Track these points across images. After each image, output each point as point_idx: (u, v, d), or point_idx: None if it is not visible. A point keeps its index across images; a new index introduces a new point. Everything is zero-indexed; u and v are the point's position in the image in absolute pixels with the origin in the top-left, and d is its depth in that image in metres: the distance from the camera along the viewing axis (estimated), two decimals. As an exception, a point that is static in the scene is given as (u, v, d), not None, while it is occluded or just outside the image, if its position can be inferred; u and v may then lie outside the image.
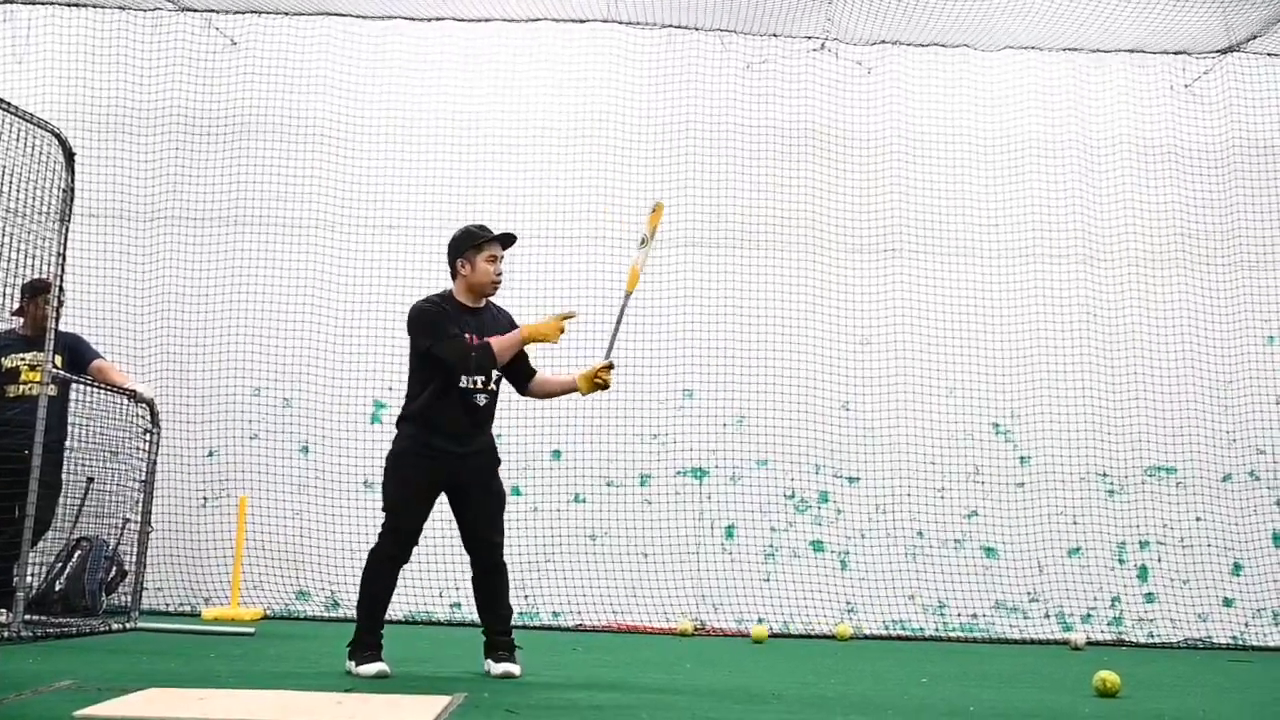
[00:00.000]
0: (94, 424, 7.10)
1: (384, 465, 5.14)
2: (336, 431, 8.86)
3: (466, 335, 5.06)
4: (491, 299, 5.28)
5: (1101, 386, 9.09)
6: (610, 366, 5.17)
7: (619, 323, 5.24)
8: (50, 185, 6.21)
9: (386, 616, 5.08)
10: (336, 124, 9.29)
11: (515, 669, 5.04)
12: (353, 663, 4.95)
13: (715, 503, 8.90)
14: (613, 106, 9.33)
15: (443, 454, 5.02)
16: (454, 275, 5.21)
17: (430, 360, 5.04)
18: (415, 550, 5.11)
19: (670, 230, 9.18)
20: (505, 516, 5.17)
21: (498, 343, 5.06)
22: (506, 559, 5.18)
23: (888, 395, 9.07)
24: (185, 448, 8.78)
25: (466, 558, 5.19)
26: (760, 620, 8.53)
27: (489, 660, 5.12)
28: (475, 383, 5.05)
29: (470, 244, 5.15)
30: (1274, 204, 9.31)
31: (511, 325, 5.23)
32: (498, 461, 5.23)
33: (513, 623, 5.24)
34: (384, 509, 5.10)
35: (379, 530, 5.07)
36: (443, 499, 5.15)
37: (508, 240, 5.22)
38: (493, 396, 5.14)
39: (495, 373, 5.09)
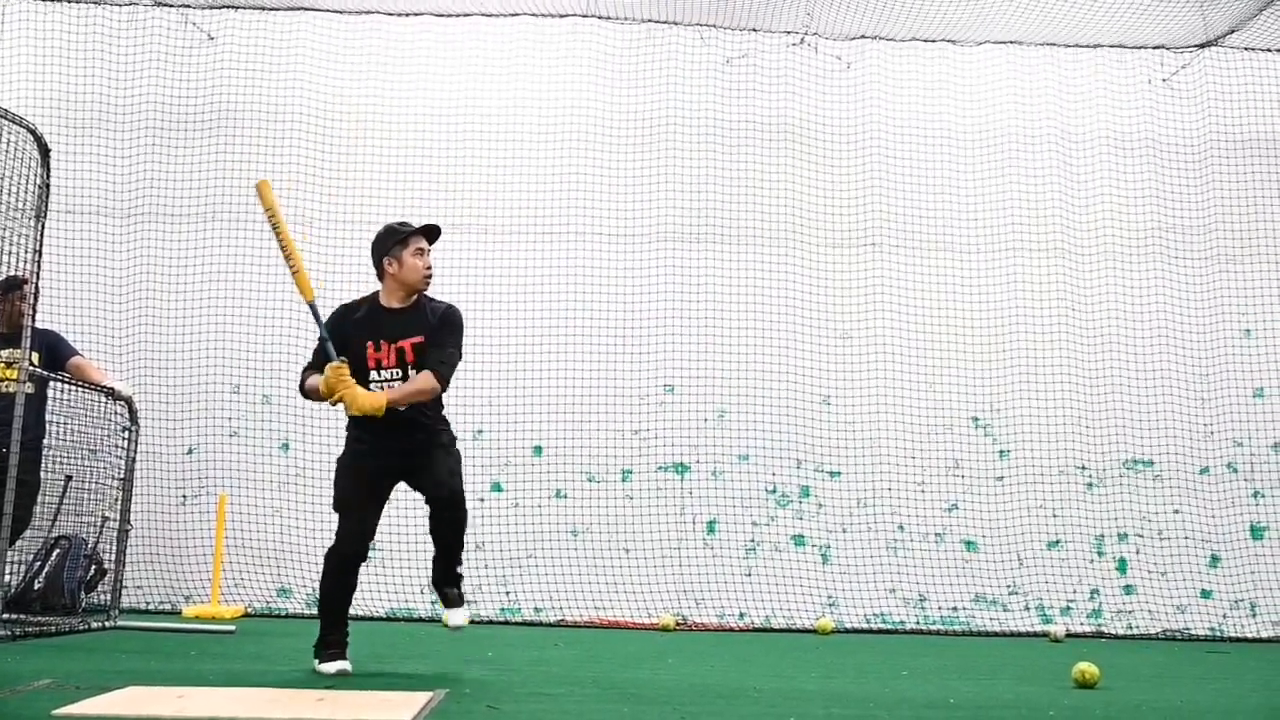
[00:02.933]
0: (72, 422, 7.05)
1: None
2: (316, 428, 8.80)
3: (365, 344, 4.93)
4: (427, 295, 5.11)
5: (1080, 380, 9.14)
6: (339, 366, 4.81)
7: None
8: (26, 181, 6.17)
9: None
10: (314, 119, 9.25)
11: (461, 618, 5.04)
12: (317, 661, 4.91)
13: (697, 498, 8.90)
14: (592, 102, 9.32)
15: (378, 451, 4.94)
16: (380, 275, 5.06)
17: None
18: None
19: (650, 225, 9.21)
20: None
21: (312, 381, 4.96)
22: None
23: (868, 389, 9.10)
24: (164, 445, 8.74)
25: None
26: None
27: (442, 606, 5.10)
28: (386, 375, 4.93)
29: (395, 240, 5.00)
30: (1251, 198, 9.37)
31: (442, 323, 5.01)
32: (448, 439, 5.06)
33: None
34: (333, 508, 5.07)
35: None
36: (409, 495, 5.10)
37: (432, 233, 5.08)
38: None
39: (408, 363, 4.94)
